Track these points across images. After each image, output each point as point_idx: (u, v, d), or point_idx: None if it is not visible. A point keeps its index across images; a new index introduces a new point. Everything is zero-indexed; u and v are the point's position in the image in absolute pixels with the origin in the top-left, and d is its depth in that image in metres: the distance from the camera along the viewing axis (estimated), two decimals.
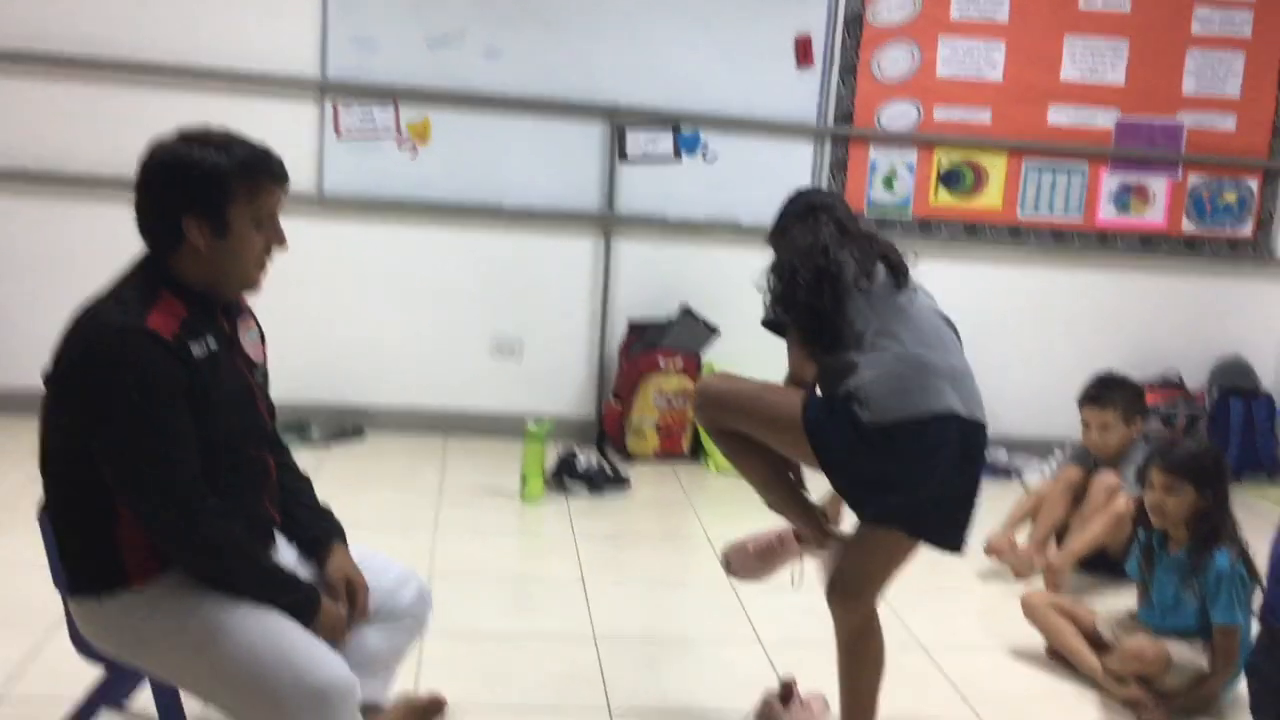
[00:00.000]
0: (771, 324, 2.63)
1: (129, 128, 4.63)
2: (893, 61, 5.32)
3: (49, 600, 2.34)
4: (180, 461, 2.05)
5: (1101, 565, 3.93)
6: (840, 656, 2.60)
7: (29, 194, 4.92)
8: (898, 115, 5.37)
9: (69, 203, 4.93)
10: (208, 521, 2.08)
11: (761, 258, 5.79)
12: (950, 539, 2.51)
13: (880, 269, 2.52)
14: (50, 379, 2.10)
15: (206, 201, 2.08)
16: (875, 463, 2.40)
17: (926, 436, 2.39)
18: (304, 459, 2.24)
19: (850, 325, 2.45)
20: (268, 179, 2.14)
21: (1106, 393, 4.07)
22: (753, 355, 5.37)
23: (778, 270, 2.58)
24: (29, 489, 2.13)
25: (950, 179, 5.43)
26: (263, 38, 4.96)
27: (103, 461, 2.04)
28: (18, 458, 2.11)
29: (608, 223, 5.27)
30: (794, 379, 2.61)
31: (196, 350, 2.09)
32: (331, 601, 2.27)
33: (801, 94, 5.30)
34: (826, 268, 2.48)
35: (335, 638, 2.23)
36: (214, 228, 2.10)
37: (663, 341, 5.19)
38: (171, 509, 2.05)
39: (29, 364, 2.07)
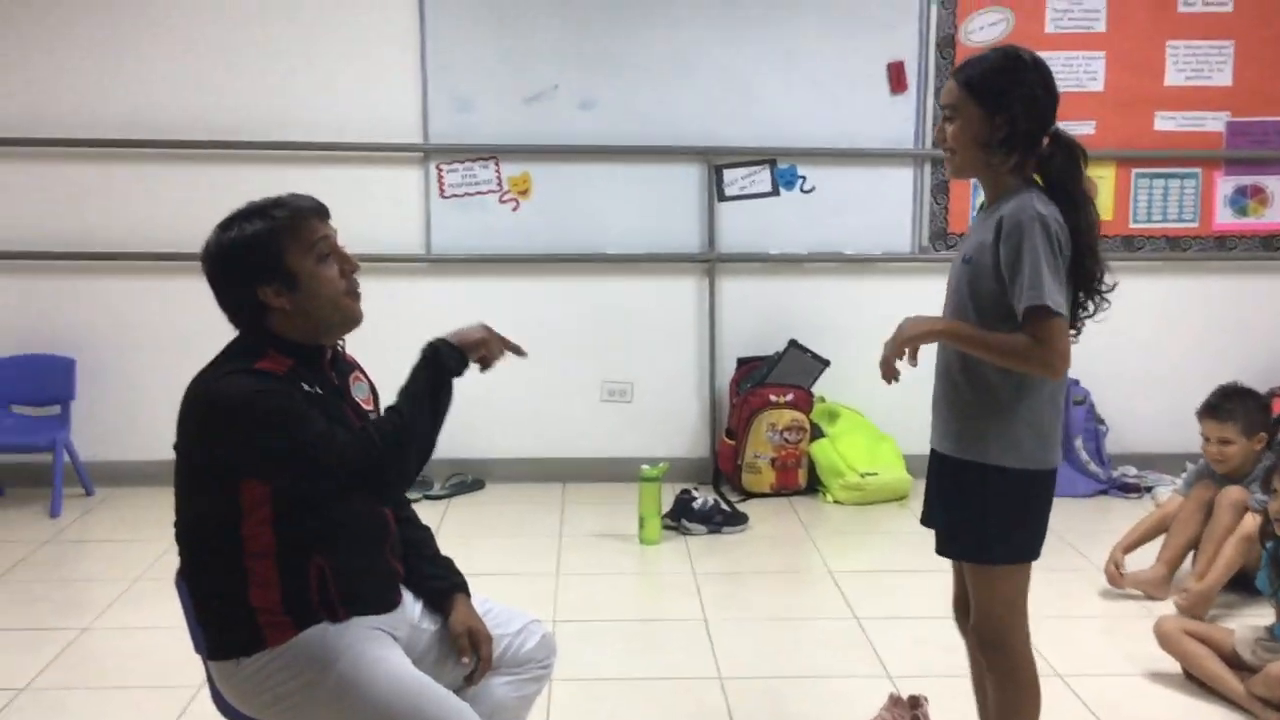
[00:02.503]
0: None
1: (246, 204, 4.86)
2: None
3: (192, 664, 2.43)
4: (330, 429, 2.11)
5: (1236, 582, 3.79)
6: (993, 703, 2.52)
7: (153, 274, 5.15)
8: None
9: (193, 279, 5.13)
10: (385, 441, 2.12)
11: (866, 287, 5.73)
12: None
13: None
14: (179, 445, 2.20)
15: (264, 265, 2.17)
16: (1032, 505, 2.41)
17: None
18: (427, 512, 2.30)
19: None
20: (306, 218, 2.22)
21: (1226, 404, 3.92)
22: (863, 385, 5.36)
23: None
24: (169, 557, 2.22)
25: None
26: (368, 109, 5.13)
27: (275, 477, 2.11)
28: (160, 528, 2.21)
29: (710, 262, 5.30)
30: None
31: (306, 388, 2.18)
32: (471, 329, 2.30)
33: (897, 120, 5.28)
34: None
35: (491, 350, 2.29)
36: (285, 283, 2.19)
37: (772, 376, 5.19)
38: (361, 463, 2.10)
39: (162, 436, 2.18)
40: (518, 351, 2.39)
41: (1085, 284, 2.39)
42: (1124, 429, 5.41)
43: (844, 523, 4.87)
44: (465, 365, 2.27)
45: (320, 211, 2.26)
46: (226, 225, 2.21)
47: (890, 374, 2.40)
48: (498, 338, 2.33)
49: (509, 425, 5.32)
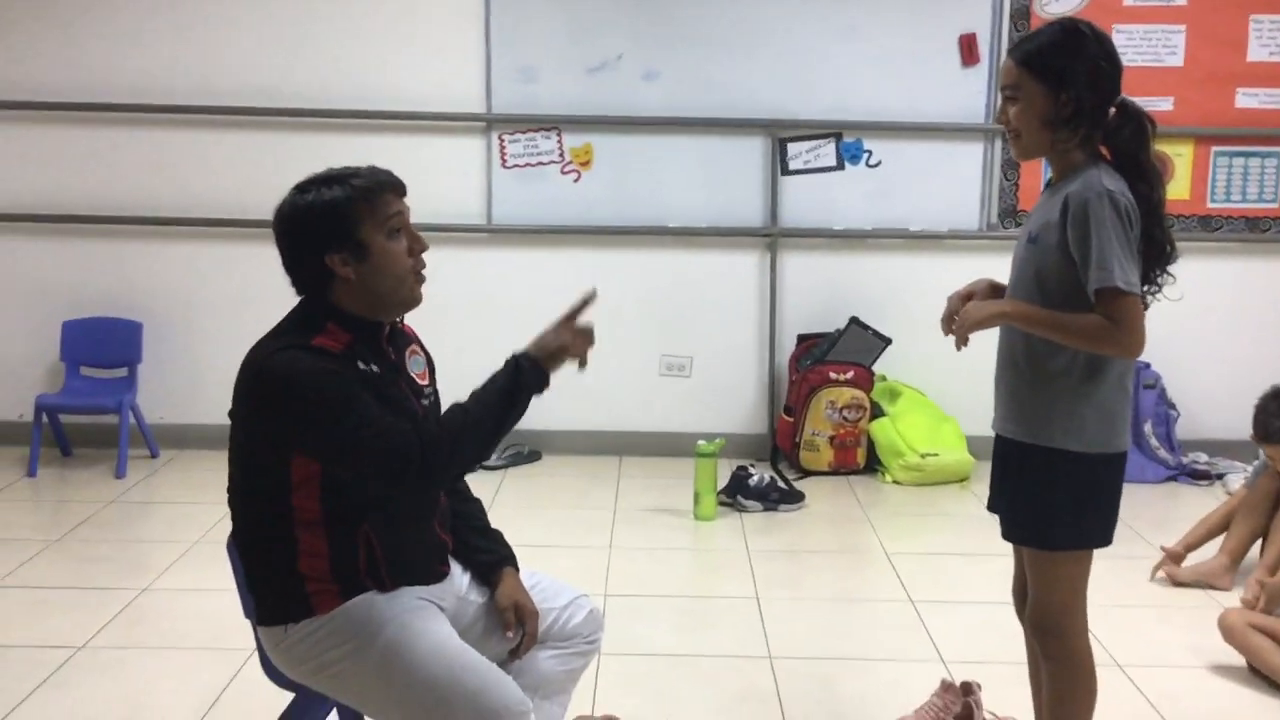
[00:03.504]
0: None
1: (309, 171, 4.90)
2: None
3: (247, 627, 2.45)
4: (380, 417, 2.09)
5: None
6: (1046, 689, 2.47)
7: (220, 239, 5.21)
8: None
9: (259, 245, 5.17)
10: (435, 442, 2.11)
11: (931, 265, 5.63)
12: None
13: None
14: (234, 413, 2.20)
15: (336, 233, 2.16)
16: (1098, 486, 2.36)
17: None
18: (483, 483, 2.29)
19: None
20: (383, 191, 2.21)
21: (1276, 424, 3.75)
22: (925, 364, 5.29)
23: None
24: (229, 521, 2.23)
25: None
26: (431, 79, 5.13)
27: (322, 458, 2.11)
28: (222, 491, 2.23)
29: (772, 236, 5.24)
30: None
31: (362, 366, 2.17)
32: (546, 336, 2.27)
33: (967, 93, 5.16)
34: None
35: (577, 349, 2.27)
36: (353, 253, 2.17)
37: (833, 354, 5.12)
38: (406, 459, 2.08)
39: (226, 401, 2.19)
40: (587, 302, 2.35)
41: (1155, 256, 2.32)
42: (1196, 414, 5.28)
43: (902, 504, 4.81)
44: (546, 382, 2.24)
45: (398, 187, 2.25)
46: (304, 188, 2.20)
47: (950, 330, 2.39)
48: (573, 332, 2.29)
49: (566, 397, 5.24)
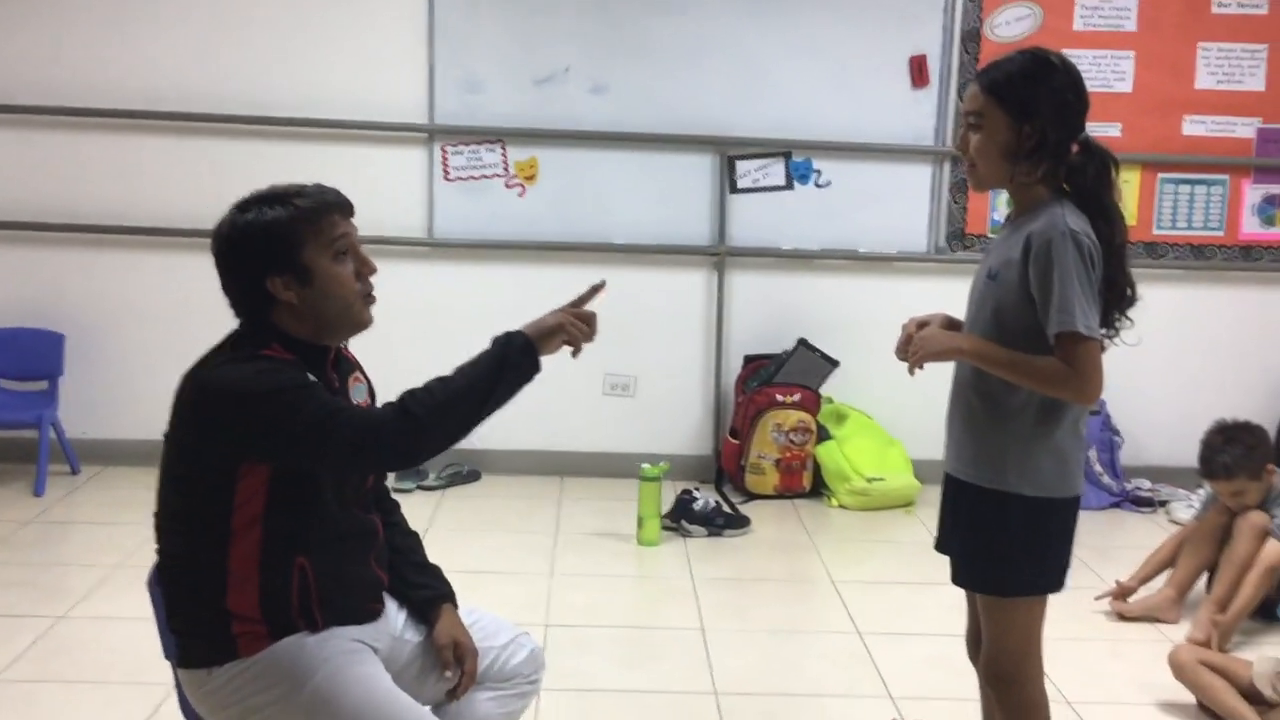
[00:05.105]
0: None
1: (247, 181, 4.74)
2: None
3: (164, 663, 2.31)
4: (334, 400, 2.02)
5: (1256, 609, 3.66)
6: None
7: (148, 248, 5.02)
8: None
9: (190, 256, 5.01)
10: (406, 413, 2.00)
11: (879, 286, 5.59)
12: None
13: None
14: (172, 433, 2.07)
15: (278, 255, 2.06)
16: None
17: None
18: (421, 503, 2.18)
19: None
20: (328, 212, 2.10)
21: (1220, 459, 3.74)
22: (872, 387, 5.24)
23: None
24: (154, 543, 2.11)
25: None
26: (373, 87, 4.98)
27: (281, 451, 2.00)
28: (146, 510, 2.10)
29: (720, 255, 5.16)
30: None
31: (311, 377, 2.06)
32: (545, 318, 2.15)
33: (918, 115, 5.12)
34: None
35: (571, 336, 2.15)
36: (296, 277, 2.07)
37: (780, 375, 5.05)
38: (378, 430, 1.99)
39: (151, 415, 2.06)
40: (595, 290, 2.27)
41: (1115, 299, 2.27)
42: (1139, 440, 5.28)
43: (848, 529, 4.74)
44: (535, 366, 2.11)
45: (344, 207, 2.14)
46: (244, 207, 2.10)
47: (904, 356, 2.31)
48: (572, 320, 2.17)
49: (508, 415, 5.12)
